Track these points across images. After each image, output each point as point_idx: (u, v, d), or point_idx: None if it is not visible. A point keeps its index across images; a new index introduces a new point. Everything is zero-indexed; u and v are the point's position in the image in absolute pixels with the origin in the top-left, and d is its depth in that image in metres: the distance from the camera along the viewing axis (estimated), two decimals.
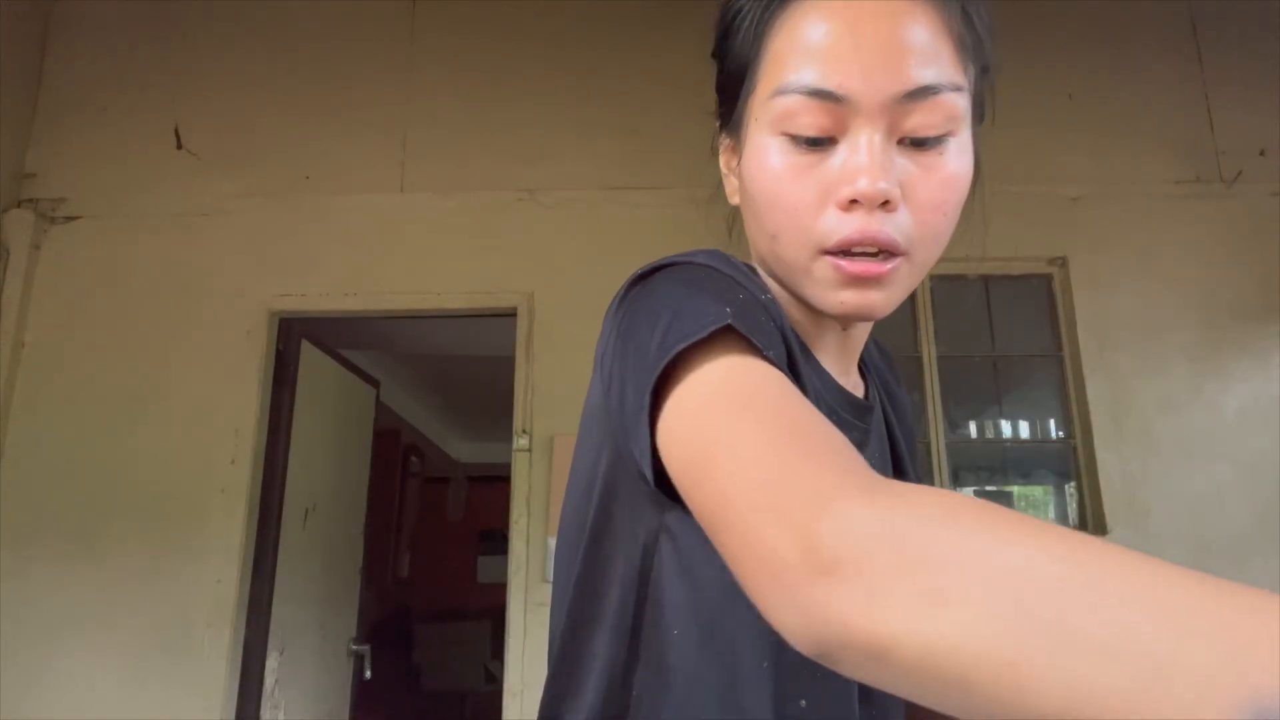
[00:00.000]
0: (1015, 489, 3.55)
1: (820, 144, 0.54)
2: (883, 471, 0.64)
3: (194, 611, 2.82)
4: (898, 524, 0.33)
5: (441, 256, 3.14)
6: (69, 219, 3.21)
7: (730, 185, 0.65)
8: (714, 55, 0.62)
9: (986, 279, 3.21)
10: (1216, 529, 2.81)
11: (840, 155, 0.54)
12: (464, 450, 8.13)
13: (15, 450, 2.97)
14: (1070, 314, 3.07)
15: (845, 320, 0.60)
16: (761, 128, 0.56)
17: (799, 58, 0.54)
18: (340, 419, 3.52)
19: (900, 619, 0.31)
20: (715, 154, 0.66)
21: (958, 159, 0.55)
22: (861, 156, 0.52)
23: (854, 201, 0.53)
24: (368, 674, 3.44)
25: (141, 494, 2.91)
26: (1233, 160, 3.15)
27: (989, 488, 3.50)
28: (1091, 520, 2.91)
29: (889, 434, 0.69)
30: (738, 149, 0.61)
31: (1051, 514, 3.48)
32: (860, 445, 0.62)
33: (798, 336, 0.60)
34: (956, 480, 3.13)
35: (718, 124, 0.64)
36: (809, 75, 0.53)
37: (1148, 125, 3.22)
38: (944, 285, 3.19)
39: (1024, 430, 3.64)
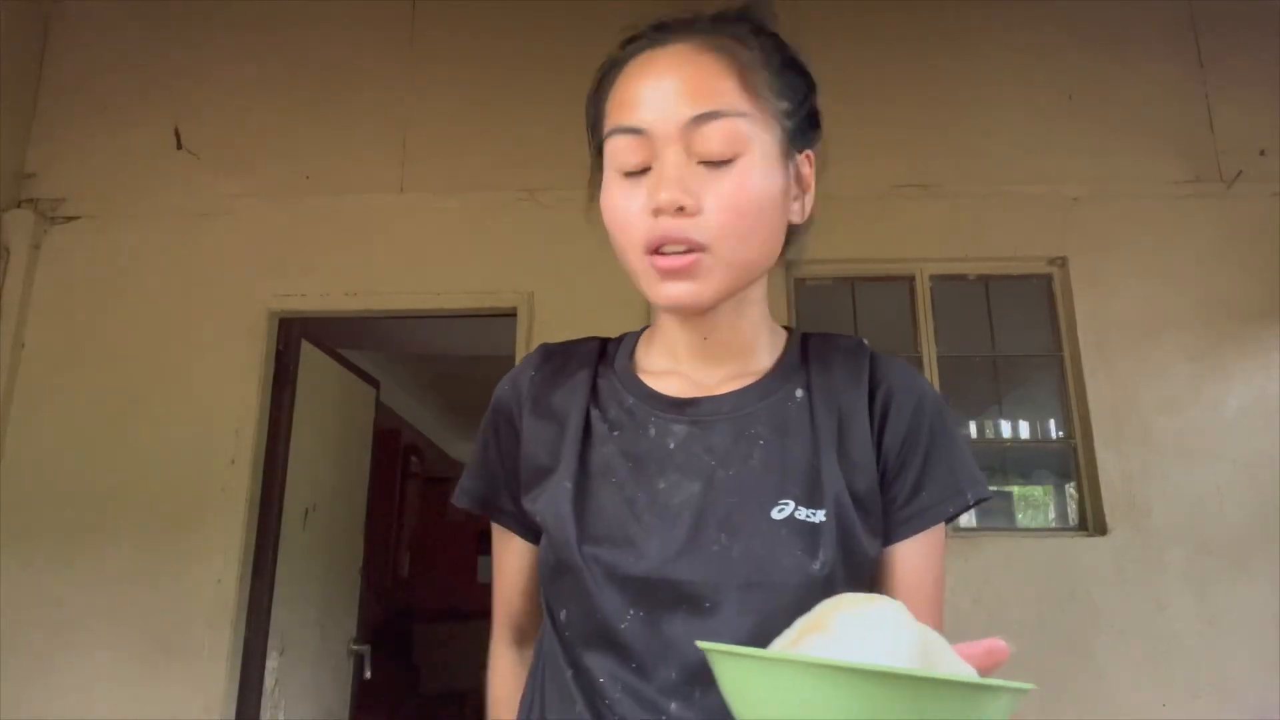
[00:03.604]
0: (1015, 489, 3.55)
1: (640, 174, 0.69)
2: (766, 459, 0.71)
3: (194, 611, 2.81)
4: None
5: (441, 256, 3.14)
6: (69, 219, 3.21)
7: None
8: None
9: (986, 279, 3.21)
10: (1216, 529, 2.81)
11: (651, 178, 0.68)
12: (464, 450, 8.12)
13: (15, 450, 2.97)
14: (1070, 314, 3.07)
15: (673, 312, 0.73)
16: (605, 170, 0.73)
17: (617, 110, 0.71)
18: (340, 419, 3.52)
19: None
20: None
21: (748, 173, 0.68)
22: (663, 174, 0.67)
23: (659, 210, 0.67)
24: (368, 674, 3.44)
25: (141, 494, 2.91)
26: (1233, 160, 3.15)
27: (989, 488, 3.50)
28: (1091, 520, 2.91)
29: (814, 426, 0.73)
30: None
31: (1051, 514, 3.48)
32: (679, 433, 0.73)
33: (606, 356, 0.80)
34: None
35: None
36: (621, 119, 0.70)
37: (1148, 125, 3.22)
38: (944, 285, 3.19)
39: (1024, 430, 3.65)
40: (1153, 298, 3.03)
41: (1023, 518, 3.64)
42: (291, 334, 3.14)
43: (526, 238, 3.14)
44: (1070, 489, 3.10)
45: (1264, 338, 2.98)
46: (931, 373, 3.07)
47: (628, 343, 0.82)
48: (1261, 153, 3.16)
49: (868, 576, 0.72)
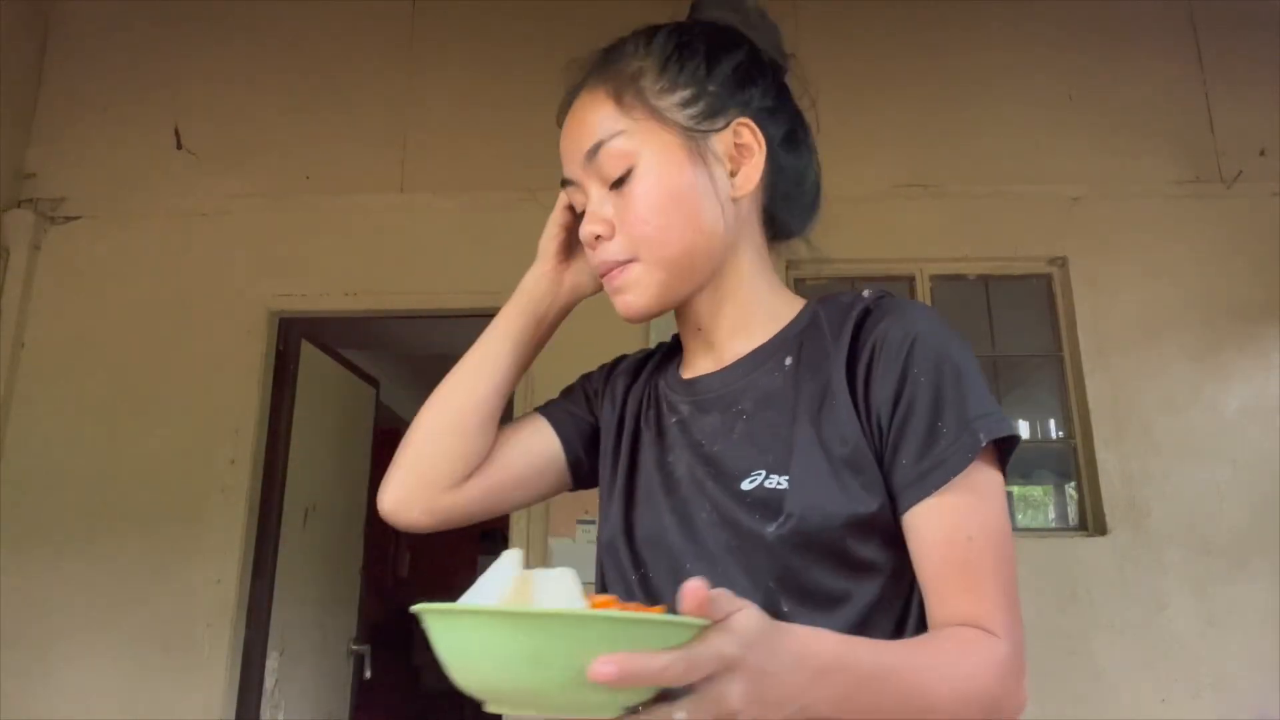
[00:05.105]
0: (1015, 489, 3.55)
1: (582, 214, 0.79)
2: (745, 433, 0.75)
3: (194, 611, 2.81)
4: None
5: (441, 256, 3.14)
6: (69, 219, 3.21)
7: None
8: None
9: (986, 279, 3.21)
10: (1216, 529, 2.81)
11: None
12: None
13: (15, 450, 2.97)
14: (1070, 314, 3.07)
15: (628, 320, 0.80)
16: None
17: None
18: (340, 419, 3.52)
19: None
20: None
21: (643, 180, 0.74)
22: (586, 212, 0.78)
23: (587, 244, 0.79)
24: (368, 674, 3.44)
25: (141, 494, 2.91)
26: (1233, 160, 3.15)
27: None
28: (1091, 520, 2.90)
29: (797, 393, 0.74)
30: None
31: (1051, 514, 3.48)
32: (683, 411, 0.82)
33: (655, 356, 0.94)
34: None
35: None
36: (562, 173, 0.82)
37: (1148, 125, 3.22)
38: (944, 285, 3.19)
39: (1024, 430, 3.65)
40: (1153, 298, 3.03)
41: (1023, 518, 3.63)
42: (291, 334, 3.14)
43: (526, 238, 3.12)
44: (1070, 489, 3.10)
45: (1264, 338, 2.98)
46: None
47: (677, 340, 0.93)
48: (1261, 153, 3.16)
49: (872, 538, 0.68)
